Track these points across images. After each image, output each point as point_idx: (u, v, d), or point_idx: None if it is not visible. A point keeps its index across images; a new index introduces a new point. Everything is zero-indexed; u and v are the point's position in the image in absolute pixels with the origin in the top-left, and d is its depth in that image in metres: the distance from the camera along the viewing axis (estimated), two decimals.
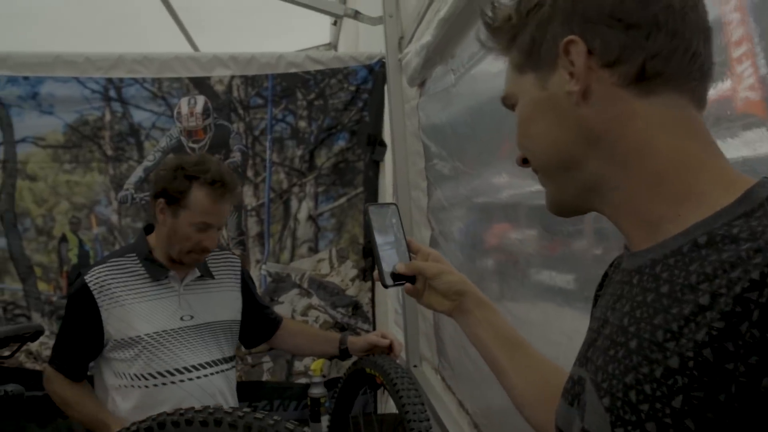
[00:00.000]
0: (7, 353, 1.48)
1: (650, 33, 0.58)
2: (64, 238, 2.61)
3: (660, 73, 0.59)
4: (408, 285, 1.01)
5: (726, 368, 0.45)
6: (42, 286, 2.59)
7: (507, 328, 0.96)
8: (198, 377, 1.84)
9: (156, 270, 1.84)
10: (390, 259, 1.00)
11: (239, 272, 2.07)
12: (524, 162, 0.70)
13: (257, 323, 2.11)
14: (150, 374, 1.80)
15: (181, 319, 1.86)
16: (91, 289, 1.79)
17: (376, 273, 1.02)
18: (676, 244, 0.56)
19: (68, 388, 1.87)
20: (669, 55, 0.58)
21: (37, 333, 1.56)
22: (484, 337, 0.95)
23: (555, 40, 0.62)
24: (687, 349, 0.48)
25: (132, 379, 1.80)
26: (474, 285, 1.00)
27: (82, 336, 1.82)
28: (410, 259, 1.03)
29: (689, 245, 0.54)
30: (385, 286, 1.01)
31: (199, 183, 1.77)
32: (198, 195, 1.77)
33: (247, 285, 2.09)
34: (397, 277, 1.00)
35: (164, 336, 1.82)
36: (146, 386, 1.80)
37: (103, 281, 1.81)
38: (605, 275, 0.76)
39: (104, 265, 1.84)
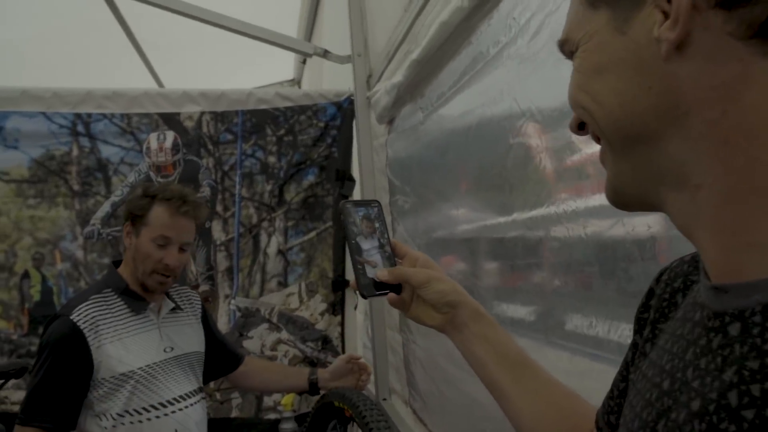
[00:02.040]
0: None
1: None
2: (26, 275, 2.57)
3: None
4: (392, 295, 0.86)
5: None
6: (1, 324, 2.53)
7: (509, 345, 0.82)
8: (182, 408, 1.84)
9: (136, 303, 1.84)
10: (371, 265, 0.86)
11: (200, 306, 2.08)
12: (580, 128, 0.53)
13: (218, 357, 2.11)
14: (143, 408, 1.77)
15: (164, 350, 1.86)
16: (82, 328, 1.73)
17: (353, 281, 0.89)
18: None
19: None
20: None
21: (22, 369, 1.51)
22: (481, 356, 0.82)
23: None
24: None
25: (119, 417, 1.75)
26: (468, 295, 0.86)
27: (74, 380, 1.72)
28: (394, 265, 0.88)
29: None
30: (364, 296, 0.87)
31: (158, 200, 1.81)
32: (157, 210, 1.81)
33: (206, 319, 2.10)
34: (380, 286, 0.86)
35: (154, 368, 1.81)
36: (139, 421, 1.76)
37: (92, 319, 1.75)
38: (650, 292, 0.60)
39: (87, 303, 1.79)
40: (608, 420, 0.65)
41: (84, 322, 1.74)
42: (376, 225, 0.90)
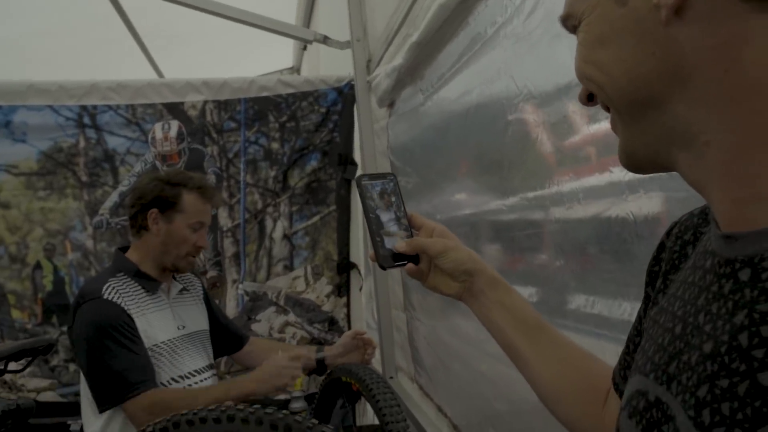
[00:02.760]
0: (20, 367, 1.49)
1: None
2: (38, 265, 2.62)
3: None
4: (410, 265, 0.87)
5: None
6: (16, 313, 2.60)
7: (526, 310, 0.84)
8: (197, 382, 1.91)
9: (149, 283, 1.91)
10: (389, 237, 0.88)
11: (201, 288, 2.17)
12: (589, 99, 0.55)
13: (220, 337, 2.16)
14: (166, 381, 1.84)
15: (178, 328, 1.93)
16: (118, 302, 1.79)
17: (372, 253, 0.88)
18: None
19: (170, 393, 1.79)
20: None
21: (50, 346, 1.56)
22: (499, 322, 0.83)
23: None
24: None
25: None
26: (485, 262, 0.87)
27: (141, 342, 1.78)
28: (412, 236, 0.90)
29: None
30: (383, 268, 0.88)
31: (187, 189, 1.92)
32: (190, 198, 1.92)
33: (208, 300, 2.17)
34: (398, 257, 0.87)
35: (174, 343, 1.90)
36: None
37: (120, 295, 1.82)
38: (661, 246, 0.62)
39: (110, 283, 1.84)
40: (624, 375, 0.66)
41: (116, 298, 1.80)
42: (392, 198, 0.91)
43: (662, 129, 0.48)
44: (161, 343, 1.85)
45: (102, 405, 1.77)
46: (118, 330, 1.76)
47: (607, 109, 0.53)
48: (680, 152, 0.48)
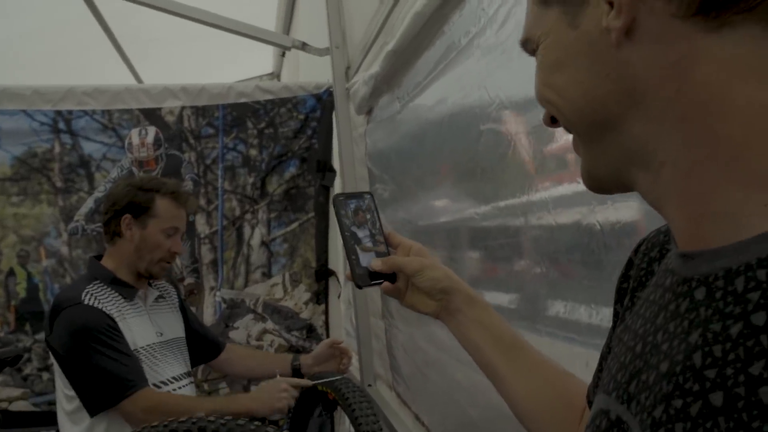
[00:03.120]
0: None
1: None
2: (11, 272, 2.59)
3: None
4: (386, 284, 0.88)
5: None
6: None
7: (502, 328, 0.84)
8: (176, 389, 1.91)
9: (126, 290, 1.89)
10: (365, 255, 0.88)
11: (176, 295, 2.16)
12: (553, 121, 0.55)
13: (196, 345, 2.15)
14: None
15: (156, 335, 1.92)
16: (99, 307, 1.78)
17: (348, 272, 0.89)
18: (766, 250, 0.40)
19: (166, 396, 1.81)
20: None
21: (17, 357, 1.54)
22: (476, 340, 0.84)
23: None
24: None
25: None
26: (462, 281, 0.88)
27: (126, 344, 1.78)
28: (389, 254, 0.90)
29: None
30: (359, 287, 0.89)
31: (161, 194, 1.91)
32: (163, 203, 1.91)
33: (183, 308, 2.17)
34: (374, 276, 0.87)
35: (153, 348, 1.89)
36: None
37: (98, 301, 1.80)
38: (629, 263, 0.63)
39: (87, 289, 1.82)
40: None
41: (95, 303, 1.79)
42: (368, 216, 0.91)
43: (621, 149, 0.48)
44: (140, 348, 1.84)
45: (95, 408, 1.76)
46: (104, 333, 1.74)
47: (570, 131, 0.54)
48: (639, 172, 0.48)
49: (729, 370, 0.37)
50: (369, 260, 0.88)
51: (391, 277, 0.88)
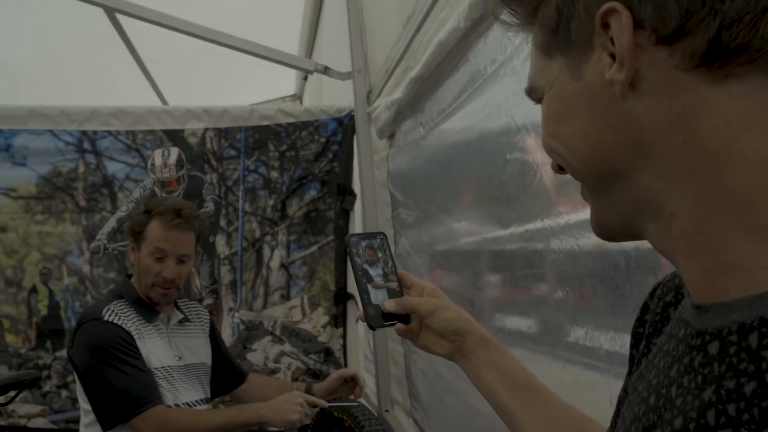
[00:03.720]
0: (3, 401, 1.48)
1: None
2: (34, 289, 2.61)
3: (744, 47, 0.41)
4: (400, 325, 0.88)
5: None
6: (10, 338, 2.58)
7: (517, 371, 0.83)
8: None
9: (147, 312, 1.89)
10: (378, 296, 0.88)
11: (208, 321, 2.13)
12: (561, 169, 0.54)
13: (223, 373, 2.14)
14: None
15: (175, 358, 1.90)
16: (118, 323, 1.80)
17: (361, 313, 0.88)
18: None
19: (177, 412, 1.80)
20: (755, 19, 0.40)
21: (35, 380, 1.55)
22: (490, 382, 0.82)
23: (589, 11, 0.46)
24: None
25: None
26: (476, 322, 0.87)
27: (142, 360, 1.79)
28: (402, 295, 0.89)
29: None
30: (372, 328, 0.89)
31: (155, 215, 1.87)
32: (153, 225, 1.86)
33: (214, 334, 2.14)
34: (388, 317, 0.87)
35: (169, 371, 1.87)
36: None
37: (119, 318, 1.82)
38: (645, 307, 0.62)
39: (110, 306, 1.84)
40: None
41: (116, 320, 1.81)
42: (380, 254, 0.91)
43: (629, 200, 0.48)
44: (155, 369, 1.83)
45: (108, 423, 1.76)
46: (119, 349, 1.75)
47: (577, 179, 0.53)
48: (649, 222, 0.48)
49: (743, 431, 0.37)
50: (382, 301, 0.88)
51: (404, 318, 0.88)
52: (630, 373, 0.62)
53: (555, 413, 0.80)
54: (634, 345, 0.62)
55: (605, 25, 0.44)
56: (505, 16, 0.54)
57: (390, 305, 0.87)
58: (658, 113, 0.44)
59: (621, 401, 0.64)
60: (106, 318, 1.79)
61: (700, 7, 0.41)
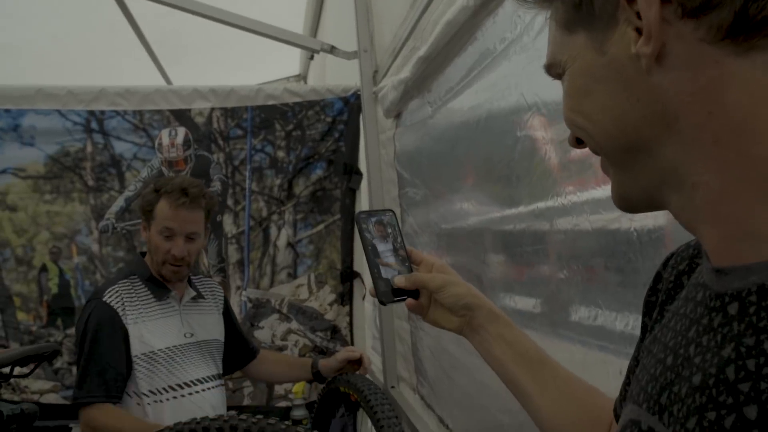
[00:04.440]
0: (26, 371, 1.53)
1: None
2: (44, 268, 2.64)
3: None
4: (410, 300, 0.89)
5: None
6: (21, 315, 2.61)
7: (526, 344, 0.84)
8: (199, 391, 1.94)
9: (158, 290, 1.93)
10: (388, 272, 0.89)
11: (222, 298, 2.17)
12: (578, 142, 0.56)
13: (236, 350, 2.20)
14: (162, 388, 1.87)
15: (185, 335, 1.95)
16: (115, 307, 1.86)
17: (371, 288, 0.89)
18: None
19: (121, 415, 1.83)
20: None
21: (54, 352, 1.61)
22: (500, 356, 0.84)
23: None
24: None
25: (142, 396, 1.86)
26: (485, 297, 0.88)
27: (119, 355, 1.84)
28: (411, 271, 0.91)
29: None
30: (383, 303, 0.89)
31: (163, 194, 1.92)
32: (161, 205, 1.92)
33: (228, 311, 2.19)
34: (398, 292, 0.88)
35: (175, 351, 1.91)
36: (159, 401, 1.87)
37: (121, 301, 1.88)
38: (657, 276, 0.64)
39: (115, 287, 1.91)
40: None
41: (116, 302, 1.87)
42: (389, 231, 0.92)
43: (653, 172, 0.49)
44: (158, 350, 1.88)
45: (73, 398, 1.88)
46: (102, 336, 1.83)
47: (597, 153, 0.54)
48: (671, 193, 0.49)
49: (763, 384, 0.38)
50: (392, 277, 0.89)
51: (414, 293, 0.89)
52: (642, 340, 0.63)
53: (563, 385, 0.81)
54: (646, 313, 0.64)
55: (630, 0, 0.45)
56: None
57: (400, 281, 0.88)
58: (683, 86, 0.45)
59: (631, 369, 0.66)
60: (105, 298, 1.86)
61: None
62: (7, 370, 1.69)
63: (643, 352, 0.57)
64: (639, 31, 0.45)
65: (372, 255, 0.89)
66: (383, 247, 0.91)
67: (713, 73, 0.44)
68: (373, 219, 0.92)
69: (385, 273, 0.89)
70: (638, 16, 0.45)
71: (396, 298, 0.89)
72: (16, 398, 2.48)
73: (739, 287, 0.44)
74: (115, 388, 1.83)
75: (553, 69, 0.55)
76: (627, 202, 0.54)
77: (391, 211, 0.96)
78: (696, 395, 0.43)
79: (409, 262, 0.92)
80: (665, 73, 0.45)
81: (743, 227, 0.44)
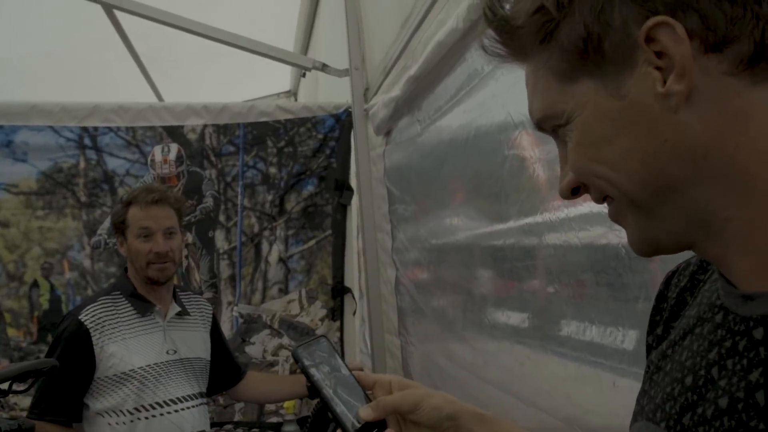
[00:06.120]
0: (23, 387, 1.53)
1: None
2: (35, 284, 2.64)
3: None
4: None
5: None
6: (11, 331, 2.60)
7: None
8: (178, 410, 1.90)
9: (142, 305, 1.92)
10: (346, 405, 0.75)
11: (210, 316, 2.15)
12: (573, 193, 0.54)
13: (222, 370, 2.15)
14: (141, 407, 1.85)
15: (167, 352, 1.92)
16: (88, 327, 1.84)
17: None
18: None
19: None
20: None
21: (53, 368, 1.61)
22: None
23: (626, 27, 0.46)
24: None
25: (120, 414, 1.83)
26: (460, 401, 0.80)
27: (78, 375, 1.84)
28: (369, 398, 0.77)
29: None
30: None
31: (131, 201, 1.94)
32: (132, 210, 1.93)
33: (216, 330, 2.16)
34: (366, 427, 0.74)
35: (155, 368, 1.88)
36: (137, 419, 1.84)
37: (98, 319, 1.87)
38: (660, 296, 0.63)
39: (96, 304, 1.89)
40: None
41: (91, 321, 1.85)
42: (332, 361, 0.78)
43: (682, 212, 0.48)
44: (138, 368, 1.86)
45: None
46: (66, 353, 1.83)
47: (603, 201, 0.53)
48: (700, 231, 0.48)
49: None
50: (354, 411, 0.74)
51: (381, 423, 0.75)
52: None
53: None
54: (650, 333, 0.64)
55: (651, 39, 0.45)
56: (498, 47, 0.53)
57: (366, 413, 0.74)
58: (711, 121, 0.45)
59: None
60: (81, 317, 1.86)
61: (742, 13, 0.43)
62: (5, 386, 1.69)
63: (653, 368, 0.57)
64: (660, 70, 0.45)
65: (325, 390, 0.75)
66: (330, 378, 0.77)
67: (737, 105, 0.44)
68: (312, 349, 0.79)
69: (344, 407, 0.75)
70: (660, 55, 0.45)
71: None
72: (4, 415, 2.47)
73: (765, 312, 0.44)
74: (73, 412, 1.85)
75: (547, 122, 0.53)
76: (651, 247, 0.52)
77: (324, 336, 0.83)
78: (724, 419, 0.43)
79: (361, 388, 0.78)
80: (692, 110, 0.45)
81: None
